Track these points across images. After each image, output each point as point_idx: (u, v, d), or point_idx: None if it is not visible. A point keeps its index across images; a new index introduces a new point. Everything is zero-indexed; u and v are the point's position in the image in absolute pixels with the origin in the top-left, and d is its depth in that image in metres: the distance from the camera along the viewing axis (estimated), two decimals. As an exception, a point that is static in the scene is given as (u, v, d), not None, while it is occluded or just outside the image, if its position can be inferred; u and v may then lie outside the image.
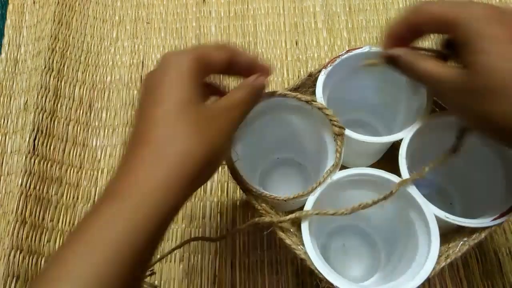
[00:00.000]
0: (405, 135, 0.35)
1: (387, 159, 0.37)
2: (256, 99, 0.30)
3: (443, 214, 0.32)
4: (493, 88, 0.25)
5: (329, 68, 0.37)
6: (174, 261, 0.46)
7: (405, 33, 0.31)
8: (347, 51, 0.37)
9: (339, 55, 0.37)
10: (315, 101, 0.35)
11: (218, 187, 0.50)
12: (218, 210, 0.49)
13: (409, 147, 0.35)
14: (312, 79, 0.38)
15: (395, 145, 0.35)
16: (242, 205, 0.49)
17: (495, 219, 0.32)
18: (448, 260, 0.32)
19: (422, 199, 0.33)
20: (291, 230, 0.33)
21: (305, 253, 0.32)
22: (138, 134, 0.26)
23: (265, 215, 0.33)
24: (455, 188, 0.44)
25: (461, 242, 0.33)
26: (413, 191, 0.33)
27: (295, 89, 0.38)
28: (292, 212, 0.35)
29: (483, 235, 0.32)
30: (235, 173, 0.34)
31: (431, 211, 0.32)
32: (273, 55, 0.58)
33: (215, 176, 0.50)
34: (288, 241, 0.32)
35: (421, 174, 0.33)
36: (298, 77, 0.56)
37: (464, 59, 0.27)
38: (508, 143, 0.28)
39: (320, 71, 0.37)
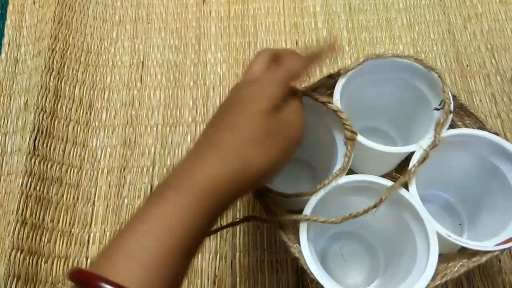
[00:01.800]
0: (418, 148, 0.34)
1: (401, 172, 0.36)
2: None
3: (444, 232, 0.32)
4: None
5: (350, 72, 0.37)
6: (174, 261, 0.46)
7: None
8: (370, 58, 0.37)
9: (363, 60, 0.37)
10: (331, 103, 0.35)
11: (218, 187, 0.50)
12: (218, 210, 0.49)
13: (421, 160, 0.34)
14: (331, 80, 0.38)
15: (411, 158, 0.35)
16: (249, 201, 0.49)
17: (498, 244, 0.32)
18: (444, 279, 0.31)
19: (426, 214, 0.33)
20: (290, 228, 0.33)
21: (300, 252, 0.31)
22: (204, 136, 0.28)
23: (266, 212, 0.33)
24: (467, 211, 0.43)
25: (460, 263, 0.32)
26: (418, 205, 0.33)
27: (313, 89, 0.37)
28: (296, 211, 0.35)
29: (483, 259, 0.31)
30: None
31: (433, 227, 0.32)
32: (273, 55, 0.58)
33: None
34: (284, 238, 0.32)
35: (409, 175, 0.33)
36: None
37: None
38: None
39: (340, 74, 0.37)
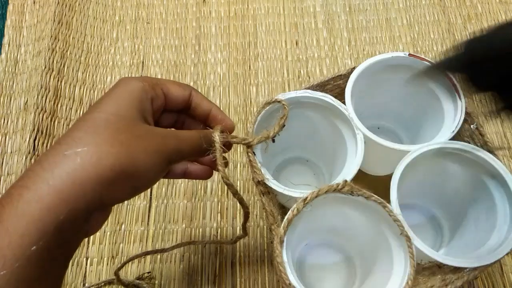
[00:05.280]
0: (416, 149, 0.34)
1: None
2: (197, 150, 0.29)
3: (423, 246, 0.31)
4: None
5: (359, 72, 0.36)
6: (174, 261, 0.46)
7: None
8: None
9: (373, 58, 0.37)
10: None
11: (218, 187, 0.50)
12: (218, 210, 0.49)
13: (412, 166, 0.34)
14: (339, 80, 0.38)
15: None
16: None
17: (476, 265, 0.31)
18: None
19: (405, 226, 0.32)
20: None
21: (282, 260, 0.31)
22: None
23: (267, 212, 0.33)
24: (449, 224, 0.42)
25: (442, 280, 0.31)
26: (397, 216, 0.32)
27: (321, 86, 0.37)
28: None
29: (465, 278, 0.30)
30: (251, 160, 0.34)
31: (411, 240, 0.31)
32: (273, 55, 0.58)
33: (215, 176, 0.50)
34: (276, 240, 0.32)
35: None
36: (299, 77, 0.56)
37: None
38: None
39: (351, 72, 0.37)
